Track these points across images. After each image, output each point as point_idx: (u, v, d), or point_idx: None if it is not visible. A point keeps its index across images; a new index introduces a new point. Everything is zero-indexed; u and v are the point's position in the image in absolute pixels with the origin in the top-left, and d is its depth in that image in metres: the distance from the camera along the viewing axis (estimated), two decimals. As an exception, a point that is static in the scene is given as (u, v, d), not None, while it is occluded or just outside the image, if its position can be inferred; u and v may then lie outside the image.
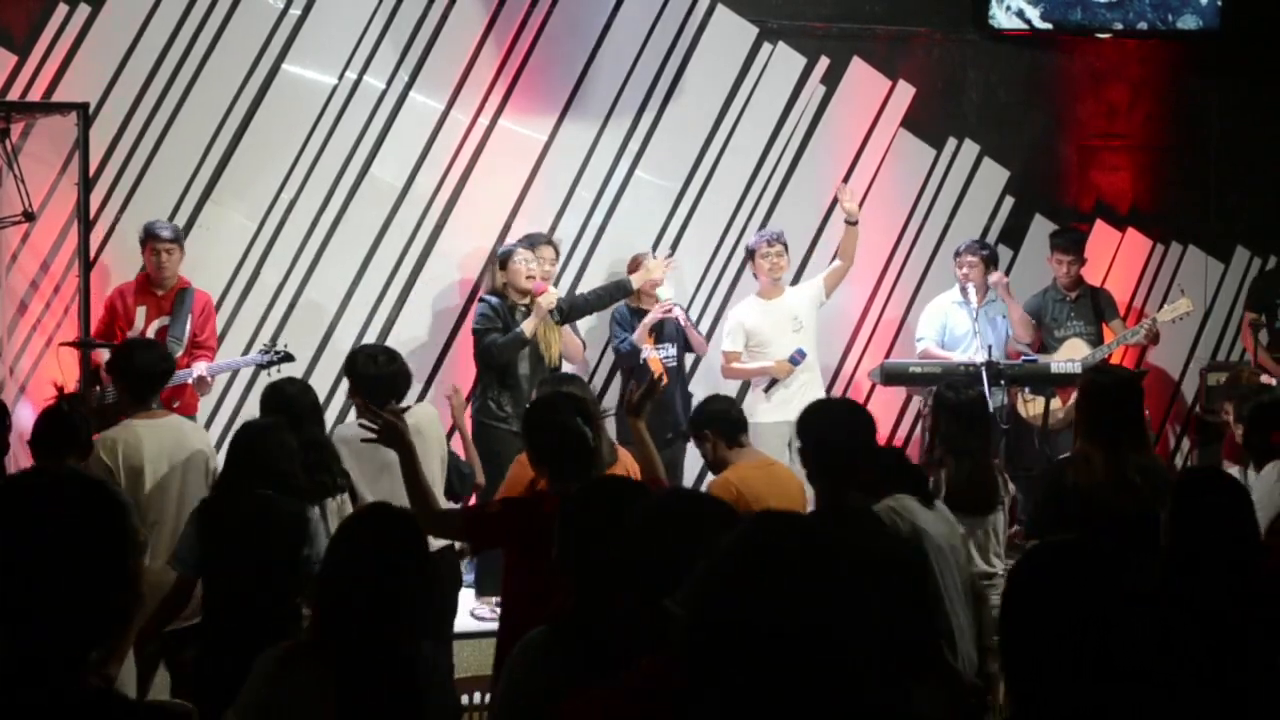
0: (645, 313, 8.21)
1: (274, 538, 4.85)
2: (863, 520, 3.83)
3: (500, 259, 7.76)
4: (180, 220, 8.24)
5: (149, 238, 7.68)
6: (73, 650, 2.12)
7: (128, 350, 6.03)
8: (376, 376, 5.75)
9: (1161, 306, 9.36)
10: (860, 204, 9.34)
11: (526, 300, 7.60)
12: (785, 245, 8.42)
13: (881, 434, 9.27)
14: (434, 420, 6.02)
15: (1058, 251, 9.06)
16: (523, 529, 4.41)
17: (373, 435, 4.64)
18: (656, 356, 8.20)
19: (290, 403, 5.61)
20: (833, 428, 4.59)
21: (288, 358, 7.66)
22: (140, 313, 7.68)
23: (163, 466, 5.61)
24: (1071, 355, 8.67)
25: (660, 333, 8.26)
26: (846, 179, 9.31)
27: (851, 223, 8.45)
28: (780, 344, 8.25)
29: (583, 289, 8.71)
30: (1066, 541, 2.36)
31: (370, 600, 3.22)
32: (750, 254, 8.50)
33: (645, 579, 2.59)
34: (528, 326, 7.48)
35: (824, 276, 8.50)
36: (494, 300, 7.63)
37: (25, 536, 2.12)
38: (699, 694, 2.06)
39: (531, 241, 8.05)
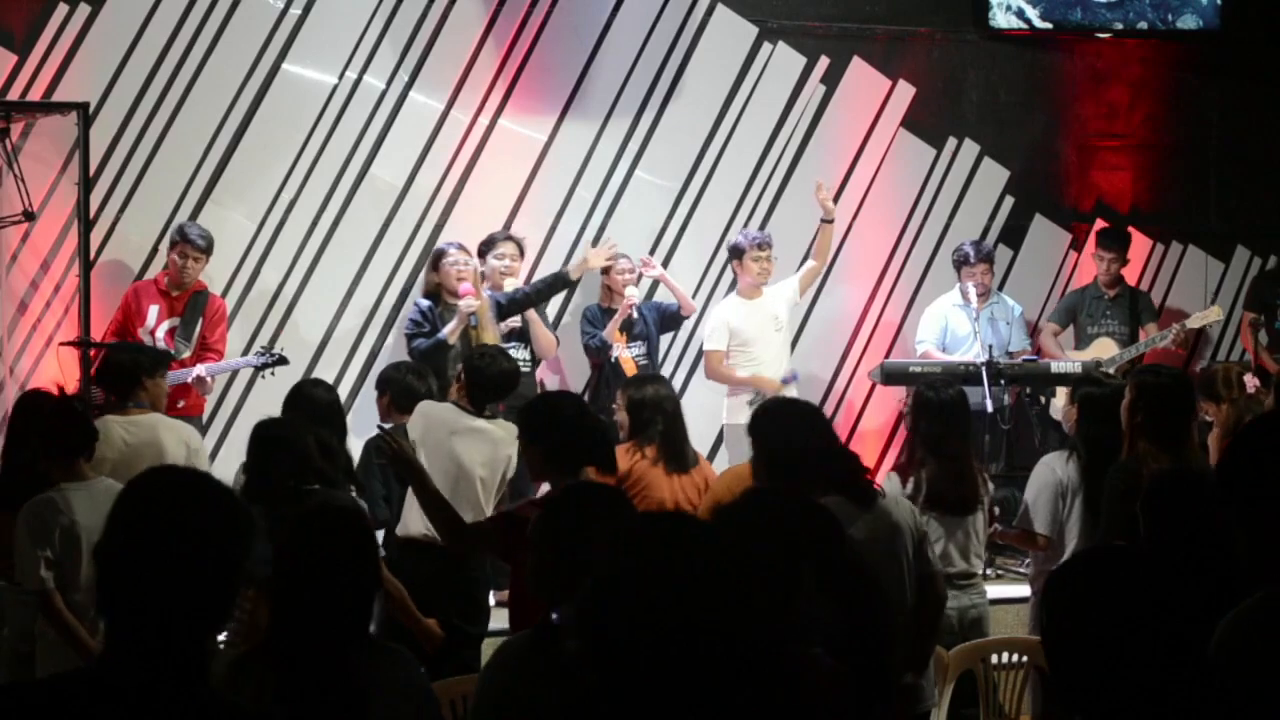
0: (615, 312, 8.23)
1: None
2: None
3: (432, 259, 7.78)
4: (180, 220, 8.24)
5: (182, 240, 7.70)
6: (190, 648, 2.14)
7: (106, 351, 6.06)
8: (499, 374, 5.90)
9: (1162, 306, 9.38)
10: (860, 204, 9.36)
11: (455, 303, 7.56)
12: (771, 246, 8.40)
13: (882, 434, 9.29)
14: (511, 435, 5.80)
15: (1100, 248, 9.11)
16: (517, 541, 4.39)
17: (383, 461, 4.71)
18: (629, 356, 8.23)
19: (306, 402, 5.65)
20: (791, 430, 4.57)
21: (282, 361, 7.68)
22: (152, 312, 7.70)
23: (135, 463, 5.58)
24: (1099, 354, 8.70)
25: (630, 331, 8.26)
26: (846, 179, 9.32)
27: (827, 221, 8.44)
28: (762, 343, 8.27)
29: (582, 289, 8.72)
30: (1107, 548, 2.35)
31: (316, 601, 3.18)
32: (738, 253, 8.45)
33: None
34: (447, 331, 7.41)
35: (798, 276, 8.50)
36: (424, 304, 7.66)
37: (150, 533, 2.15)
38: (604, 690, 2.19)
39: (492, 239, 8.06)
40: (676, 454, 5.94)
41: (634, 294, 8.22)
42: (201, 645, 2.16)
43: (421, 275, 8.22)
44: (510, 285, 7.99)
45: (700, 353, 8.80)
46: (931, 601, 4.78)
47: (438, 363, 7.24)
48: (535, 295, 7.93)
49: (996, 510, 6.25)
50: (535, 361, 8.16)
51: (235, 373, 8.14)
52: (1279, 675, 2.37)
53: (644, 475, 5.81)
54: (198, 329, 7.72)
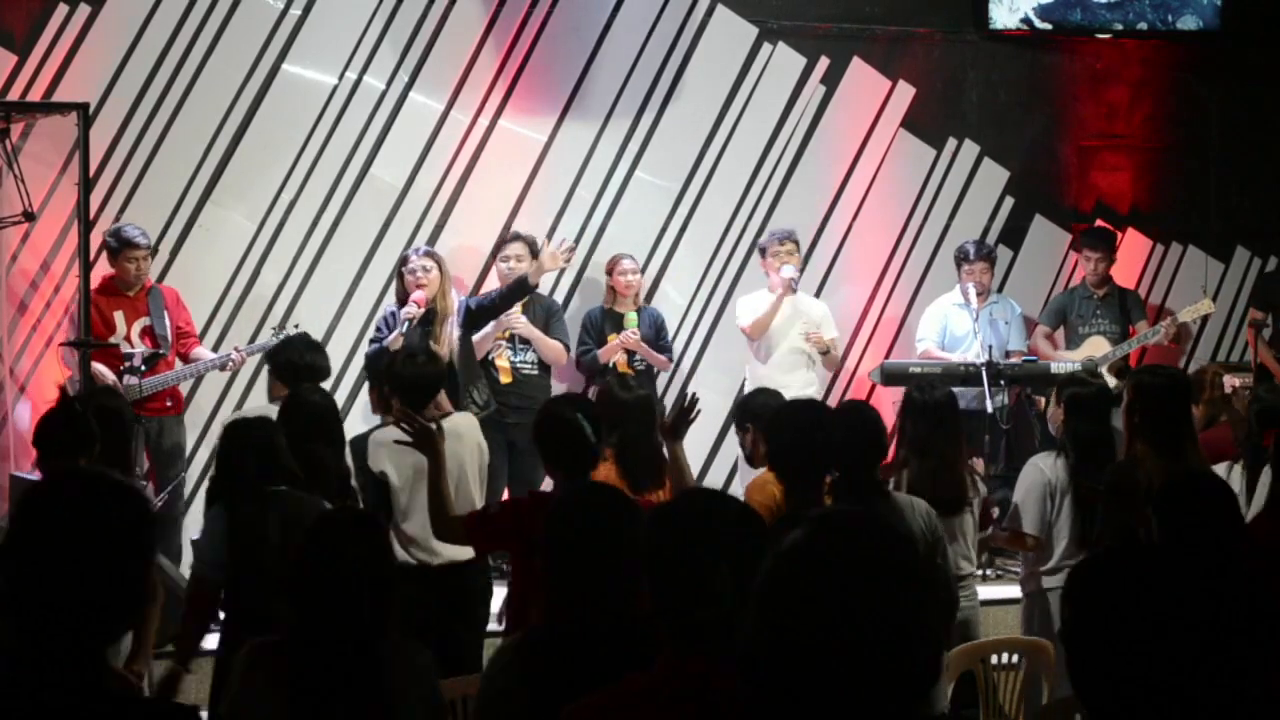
0: (618, 315, 8.22)
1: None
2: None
3: (398, 265, 7.77)
4: (180, 220, 8.25)
5: (126, 245, 7.65)
6: (93, 647, 2.15)
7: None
8: (416, 376, 5.76)
9: (1162, 306, 9.38)
10: (860, 204, 9.38)
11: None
12: (797, 243, 8.46)
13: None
14: (473, 426, 6.01)
15: (1086, 249, 9.11)
16: (521, 530, 4.43)
17: (408, 439, 4.72)
18: (625, 361, 8.24)
19: (300, 410, 5.64)
20: (808, 429, 4.61)
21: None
22: (119, 317, 7.66)
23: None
24: (1092, 353, 8.70)
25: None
26: (846, 179, 9.33)
27: (824, 353, 8.46)
28: (786, 336, 8.31)
29: (582, 289, 8.74)
30: (1125, 548, 2.35)
31: (335, 599, 3.22)
32: (762, 252, 8.52)
33: (656, 587, 2.58)
34: (389, 339, 7.33)
35: (827, 352, 8.48)
36: (389, 310, 7.64)
37: (50, 534, 2.16)
38: (765, 707, 2.01)
39: (502, 240, 8.09)
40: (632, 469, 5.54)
41: (633, 324, 8.18)
42: (102, 645, 2.16)
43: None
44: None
45: (700, 354, 8.82)
46: (945, 605, 4.82)
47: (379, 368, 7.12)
48: (501, 301, 7.81)
49: (995, 512, 6.25)
50: (545, 365, 8.16)
51: (235, 375, 8.13)
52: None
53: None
54: (168, 322, 7.71)
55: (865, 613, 1.96)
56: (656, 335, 8.40)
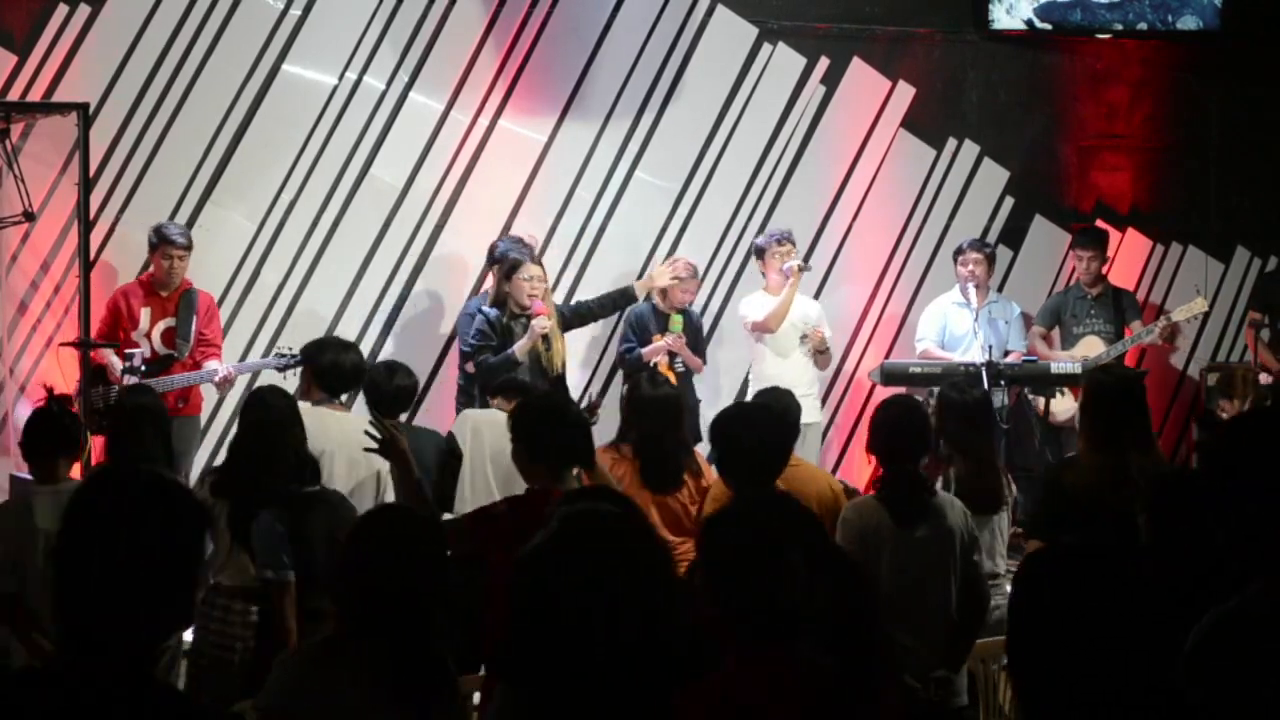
0: (665, 315, 8.18)
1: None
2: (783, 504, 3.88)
3: (507, 270, 7.57)
4: (180, 220, 8.24)
5: (164, 243, 7.69)
6: (144, 649, 2.14)
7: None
8: (397, 390, 5.99)
9: (1161, 307, 9.37)
10: (860, 205, 9.38)
11: (525, 315, 7.49)
12: (794, 244, 8.44)
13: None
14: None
15: (1078, 248, 9.11)
16: (495, 538, 4.42)
17: (374, 446, 4.72)
18: (666, 362, 8.17)
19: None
20: (761, 429, 4.74)
21: (298, 361, 7.67)
22: (145, 314, 7.70)
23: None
24: (1087, 352, 8.70)
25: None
26: (846, 179, 9.33)
27: (821, 351, 8.42)
28: (785, 337, 8.29)
29: (583, 289, 8.73)
30: (1067, 546, 2.38)
31: (403, 600, 3.23)
32: (759, 253, 8.51)
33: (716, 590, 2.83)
34: (518, 349, 7.36)
35: (824, 350, 8.45)
36: (491, 314, 7.51)
37: (104, 534, 2.14)
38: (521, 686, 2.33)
39: (524, 255, 7.99)
40: (655, 466, 5.69)
41: (679, 328, 8.11)
42: (153, 644, 2.16)
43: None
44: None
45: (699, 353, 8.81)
46: (975, 603, 4.88)
47: (500, 378, 7.15)
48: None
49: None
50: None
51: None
52: (1247, 685, 2.38)
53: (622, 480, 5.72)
54: (193, 326, 7.72)
55: (604, 603, 2.24)
56: (695, 339, 8.37)
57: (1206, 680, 2.32)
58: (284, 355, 7.65)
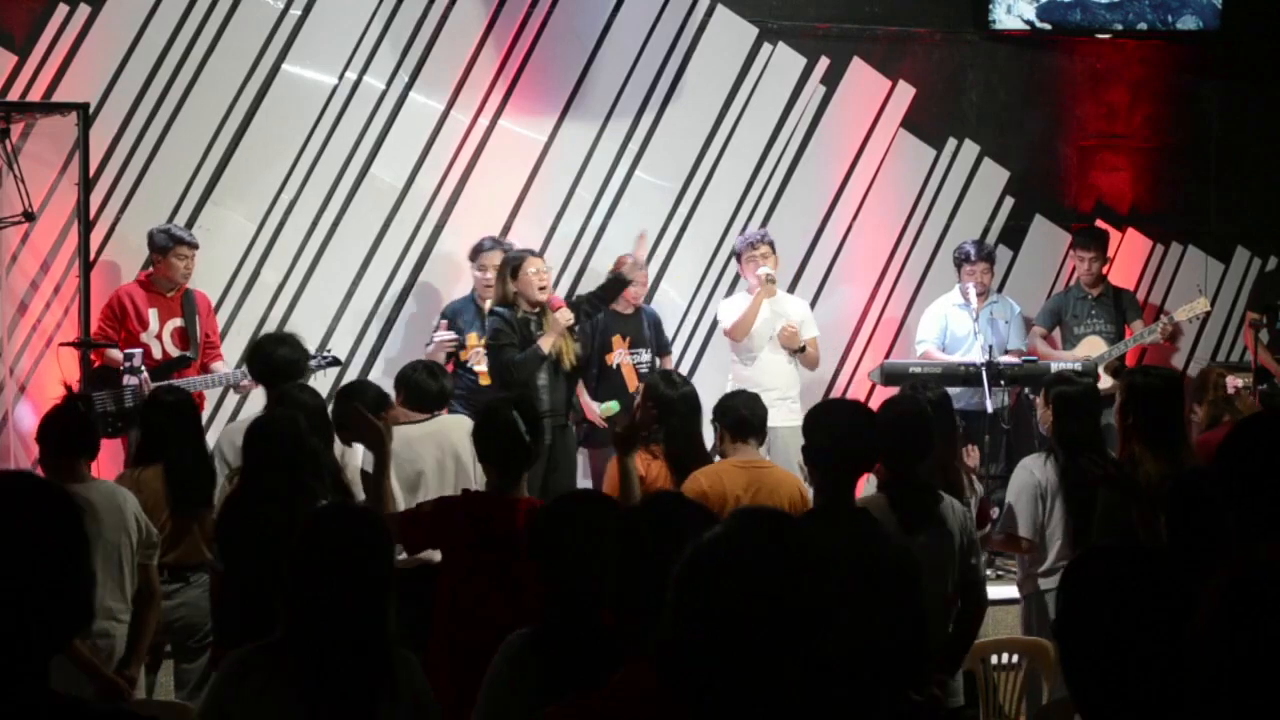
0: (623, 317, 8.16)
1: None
2: (858, 521, 3.84)
3: (510, 268, 7.45)
4: (180, 220, 8.24)
5: (177, 244, 7.68)
6: (35, 658, 2.06)
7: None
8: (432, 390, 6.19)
9: (1161, 307, 9.37)
10: (860, 205, 9.38)
11: (537, 310, 7.39)
12: (772, 244, 8.31)
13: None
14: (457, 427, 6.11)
15: (1078, 248, 9.11)
16: (452, 528, 4.52)
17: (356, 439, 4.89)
18: (630, 362, 8.16)
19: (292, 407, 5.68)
20: (843, 429, 4.60)
21: (335, 362, 7.81)
22: (153, 314, 7.70)
23: None
24: (1088, 353, 8.70)
25: (637, 337, 8.19)
26: (846, 179, 9.34)
27: (799, 350, 8.28)
28: (767, 337, 8.21)
29: (583, 289, 8.71)
30: (1119, 546, 2.36)
31: (338, 599, 3.20)
32: (737, 256, 8.44)
33: (619, 589, 2.61)
34: (545, 344, 7.26)
35: (801, 350, 8.30)
36: (505, 312, 7.39)
37: None
38: (682, 693, 2.08)
39: (480, 248, 7.99)
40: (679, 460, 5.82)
41: (599, 412, 7.96)
42: (49, 653, 2.07)
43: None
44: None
45: (700, 354, 8.82)
46: (972, 606, 4.88)
47: (531, 374, 7.23)
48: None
49: (995, 512, 6.24)
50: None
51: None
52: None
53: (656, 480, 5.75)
54: (199, 328, 7.74)
55: (774, 601, 2.04)
56: (656, 334, 8.36)
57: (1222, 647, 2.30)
58: (315, 356, 7.49)
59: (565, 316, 7.36)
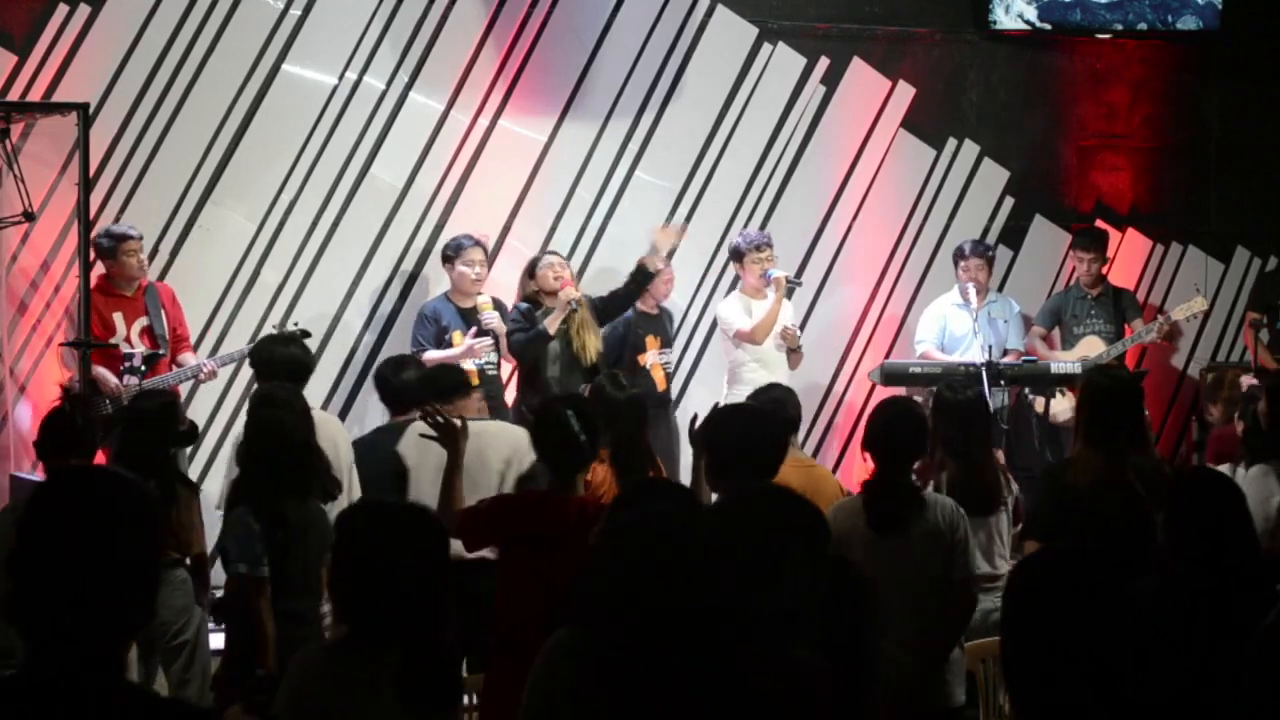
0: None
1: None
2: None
3: (528, 268, 7.92)
4: (180, 220, 8.26)
5: (122, 240, 7.64)
6: (108, 647, 2.13)
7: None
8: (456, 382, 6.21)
9: (1161, 306, 9.37)
10: (860, 205, 9.38)
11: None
12: (772, 248, 8.34)
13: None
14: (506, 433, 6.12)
15: (1078, 249, 9.12)
16: (510, 526, 4.57)
17: (433, 434, 4.92)
18: (660, 363, 8.19)
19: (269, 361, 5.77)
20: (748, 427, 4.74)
21: (304, 334, 7.57)
22: (118, 318, 7.65)
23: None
24: (1087, 353, 8.70)
25: (665, 338, 8.26)
26: (846, 179, 9.34)
27: (795, 350, 8.31)
28: (774, 339, 8.22)
29: (583, 289, 8.70)
30: (1062, 549, 2.38)
31: (408, 597, 3.18)
32: (738, 256, 8.43)
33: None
34: (550, 323, 7.58)
35: (797, 349, 8.31)
36: (525, 306, 7.79)
37: (62, 533, 2.13)
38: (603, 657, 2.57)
39: (460, 246, 7.96)
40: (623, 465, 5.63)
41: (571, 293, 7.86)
42: (120, 644, 2.15)
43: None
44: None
45: (700, 354, 8.81)
46: (962, 602, 4.87)
47: (536, 354, 7.60)
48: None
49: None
50: (498, 365, 8.01)
51: (237, 371, 8.12)
52: None
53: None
54: (165, 322, 7.71)
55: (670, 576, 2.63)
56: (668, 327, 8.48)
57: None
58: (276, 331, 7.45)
59: (567, 293, 7.62)
